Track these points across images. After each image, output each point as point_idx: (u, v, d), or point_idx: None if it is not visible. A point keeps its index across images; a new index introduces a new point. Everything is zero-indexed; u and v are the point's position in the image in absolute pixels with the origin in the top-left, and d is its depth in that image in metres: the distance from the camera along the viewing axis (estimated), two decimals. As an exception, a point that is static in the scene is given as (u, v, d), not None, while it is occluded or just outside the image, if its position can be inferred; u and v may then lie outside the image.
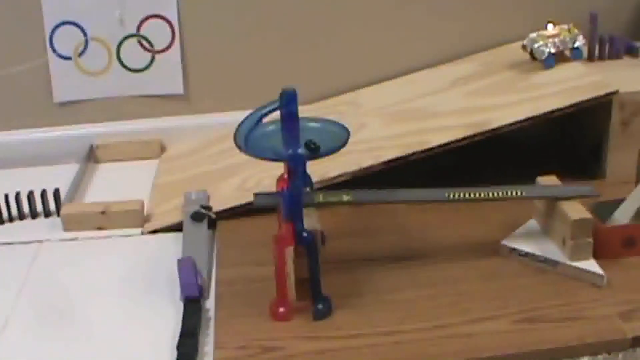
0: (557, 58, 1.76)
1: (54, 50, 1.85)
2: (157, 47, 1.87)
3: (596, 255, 1.35)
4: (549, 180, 1.45)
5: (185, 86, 1.89)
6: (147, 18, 1.85)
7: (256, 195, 1.32)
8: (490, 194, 1.37)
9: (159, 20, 1.85)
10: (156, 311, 1.32)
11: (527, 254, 1.39)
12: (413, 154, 1.56)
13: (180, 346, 1.20)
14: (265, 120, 1.24)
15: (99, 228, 1.57)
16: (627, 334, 1.21)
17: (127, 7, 1.83)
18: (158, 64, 1.88)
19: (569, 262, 1.35)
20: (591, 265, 1.34)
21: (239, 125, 1.23)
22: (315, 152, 1.20)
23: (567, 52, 1.78)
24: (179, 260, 1.35)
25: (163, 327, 1.27)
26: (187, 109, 1.91)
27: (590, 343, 1.20)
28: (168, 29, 1.85)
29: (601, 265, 1.33)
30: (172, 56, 1.87)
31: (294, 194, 1.22)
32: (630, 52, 1.83)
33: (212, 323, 1.28)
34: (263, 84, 1.79)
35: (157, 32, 1.86)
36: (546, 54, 1.74)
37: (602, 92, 1.61)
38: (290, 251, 1.22)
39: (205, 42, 1.87)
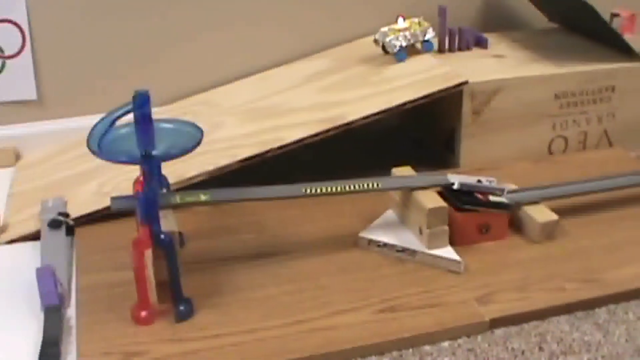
0: (409, 51, 1.79)
1: None
2: (7, 52, 1.83)
3: (453, 243, 1.39)
4: (403, 171, 1.47)
5: (38, 91, 1.86)
6: (-5, 23, 1.81)
7: (112, 199, 1.31)
8: (347, 188, 1.38)
9: (9, 25, 1.81)
10: (16, 322, 1.29)
11: (385, 245, 1.41)
12: (269, 151, 1.57)
13: (42, 356, 1.18)
14: (118, 123, 1.23)
15: (-47, 240, 1.53)
16: (484, 317, 1.25)
17: (-26, 12, 1.79)
18: (9, 70, 1.84)
19: (426, 251, 1.38)
20: (448, 252, 1.37)
21: (92, 130, 1.21)
22: (149, 157, 1.19)
23: (418, 45, 1.81)
24: (38, 269, 1.33)
25: (24, 338, 1.25)
26: (41, 114, 1.88)
27: (450, 328, 1.23)
28: (18, 33, 1.81)
29: (458, 252, 1.37)
30: (23, 61, 1.83)
31: (150, 196, 1.21)
32: (479, 43, 1.88)
33: (74, 331, 1.26)
34: (117, 86, 1.78)
35: (7, 37, 1.82)
36: (397, 48, 1.77)
37: (452, 83, 1.65)
38: (148, 254, 1.21)
39: (56, 46, 1.84)
